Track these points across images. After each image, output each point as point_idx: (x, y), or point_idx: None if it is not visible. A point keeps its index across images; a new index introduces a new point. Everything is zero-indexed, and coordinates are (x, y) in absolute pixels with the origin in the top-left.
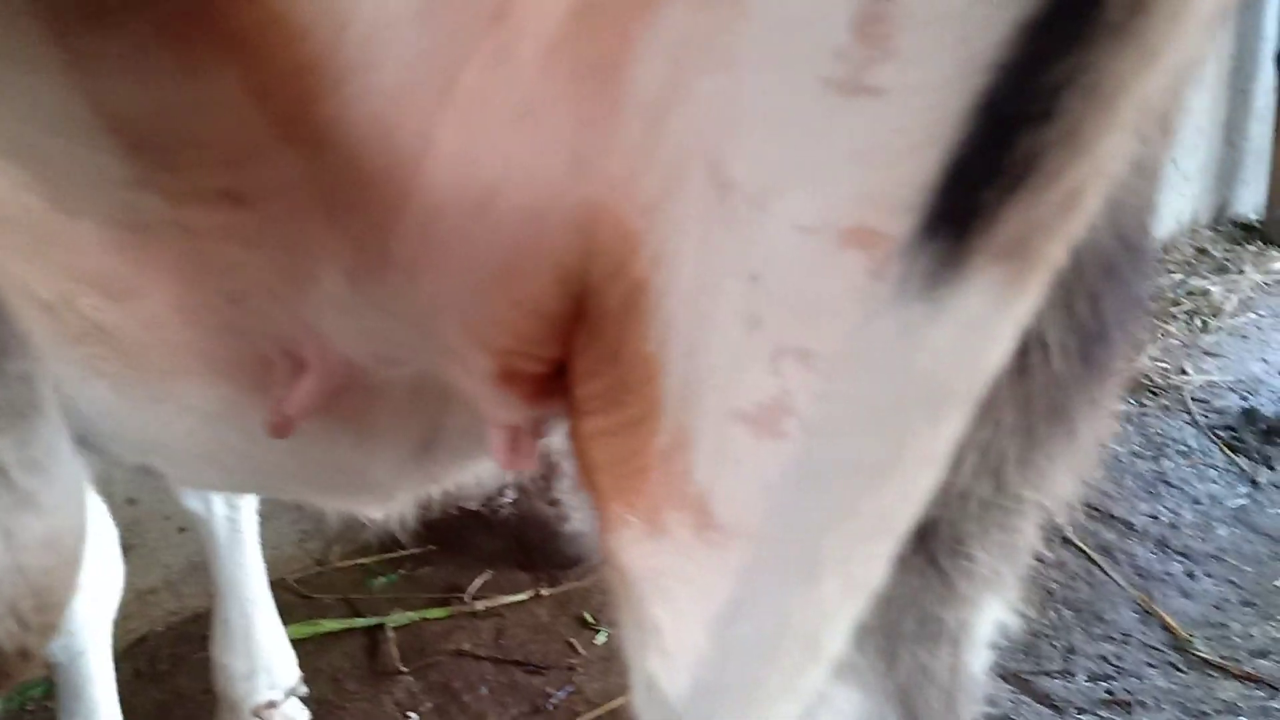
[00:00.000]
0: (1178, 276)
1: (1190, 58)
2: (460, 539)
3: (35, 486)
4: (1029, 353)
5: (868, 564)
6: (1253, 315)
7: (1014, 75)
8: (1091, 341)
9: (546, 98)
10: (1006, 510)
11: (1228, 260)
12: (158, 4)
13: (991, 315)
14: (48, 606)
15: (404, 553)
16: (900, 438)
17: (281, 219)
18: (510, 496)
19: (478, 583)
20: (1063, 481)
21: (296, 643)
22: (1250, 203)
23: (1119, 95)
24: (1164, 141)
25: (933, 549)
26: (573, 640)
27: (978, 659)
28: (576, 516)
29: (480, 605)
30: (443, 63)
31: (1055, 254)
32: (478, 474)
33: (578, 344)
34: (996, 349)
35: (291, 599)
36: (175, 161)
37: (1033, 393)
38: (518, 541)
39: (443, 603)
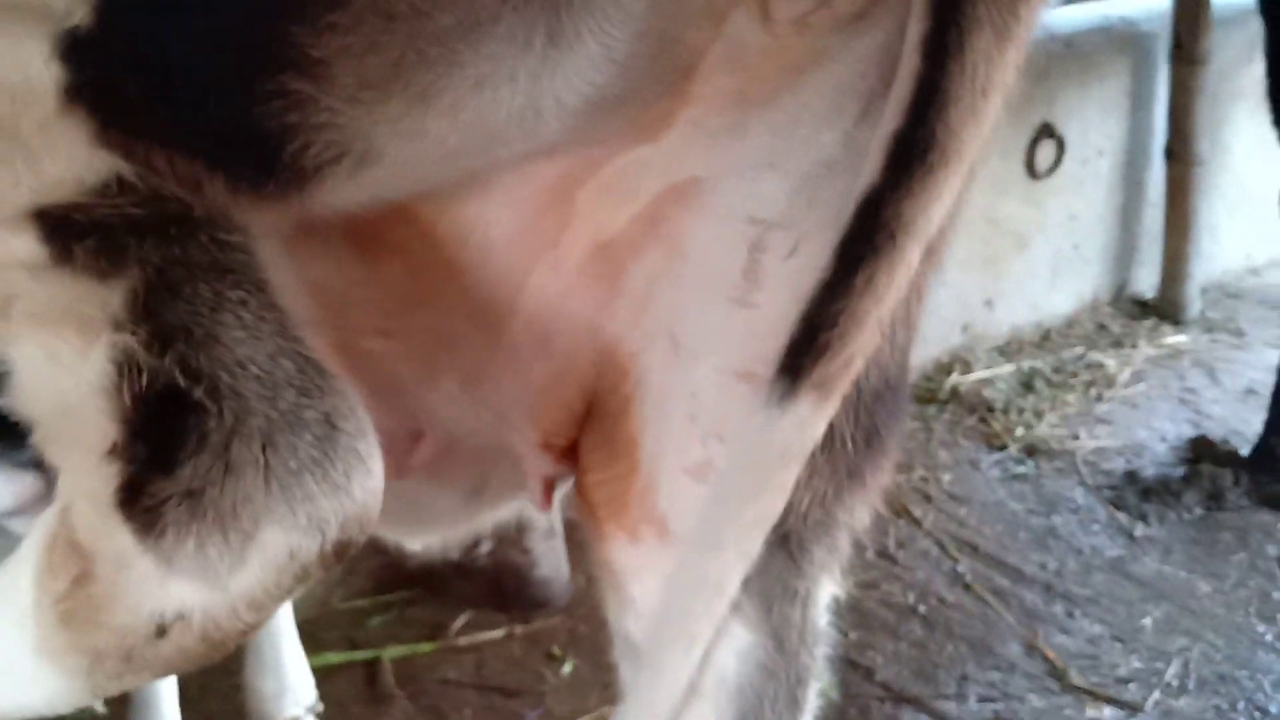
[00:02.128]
0: (1079, 350)
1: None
2: (445, 584)
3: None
4: (835, 439)
5: (750, 544)
6: (1143, 385)
7: (814, 308)
8: (870, 434)
9: (578, 290)
10: (830, 527)
11: (1124, 335)
12: (353, 230)
13: (810, 418)
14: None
15: (396, 595)
16: (766, 476)
17: (419, 348)
18: (487, 547)
19: (460, 621)
20: (861, 513)
21: None
22: (1146, 282)
23: (873, 318)
24: (916, 323)
25: (790, 547)
26: (543, 670)
27: (821, 617)
28: (544, 564)
29: (463, 641)
30: (523, 266)
31: (843, 387)
32: (495, 519)
33: (588, 428)
34: (812, 435)
35: (300, 635)
36: (350, 310)
37: (838, 461)
38: (494, 586)
39: (431, 638)
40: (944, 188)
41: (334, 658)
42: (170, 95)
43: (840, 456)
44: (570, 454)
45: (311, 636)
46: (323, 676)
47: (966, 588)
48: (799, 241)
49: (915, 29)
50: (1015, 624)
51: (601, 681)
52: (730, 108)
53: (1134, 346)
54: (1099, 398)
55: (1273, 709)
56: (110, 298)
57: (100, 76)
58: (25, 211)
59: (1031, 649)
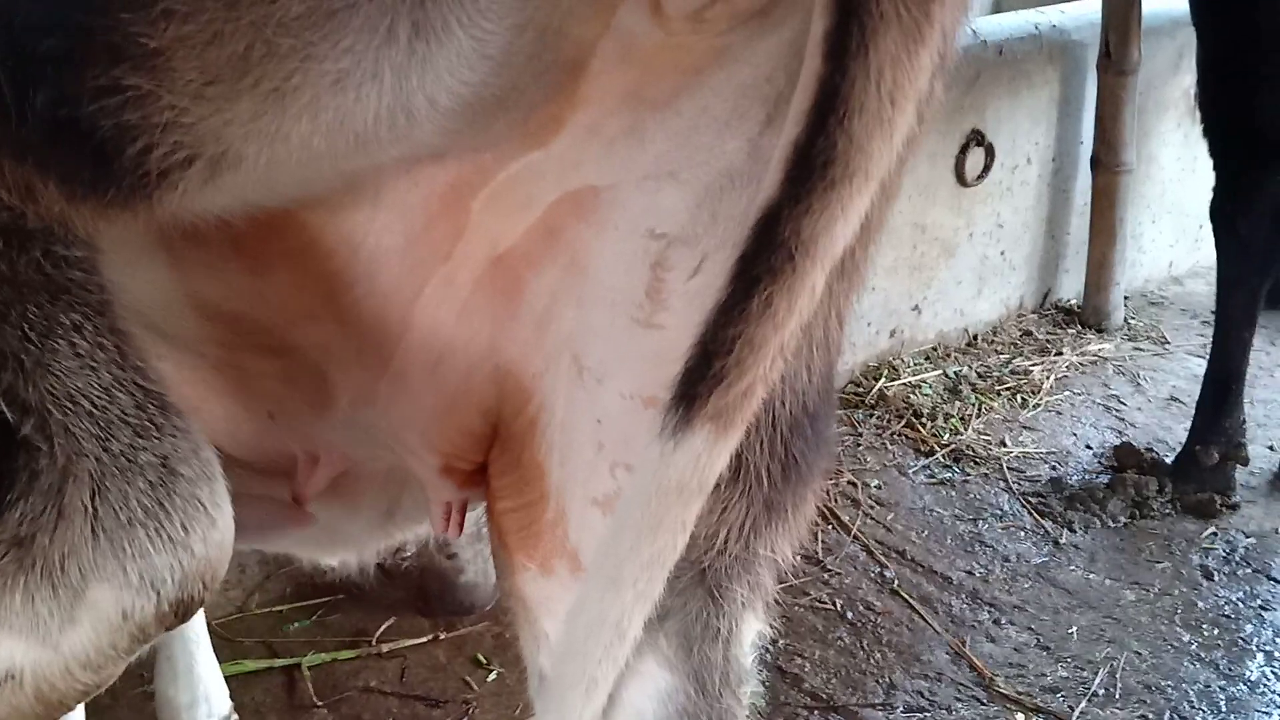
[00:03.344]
0: (1005, 357)
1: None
2: (367, 588)
3: None
4: (749, 472)
5: (650, 584)
6: (1068, 392)
7: (710, 333)
8: (788, 468)
9: (475, 306)
10: (751, 562)
11: (1049, 342)
12: (231, 227)
13: (707, 451)
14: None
15: (317, 600)
16: (663, 512)
17: (309, 367)
18: (411, 550)
19: (383, 627)
20: (784, 546)
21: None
22: (1071, 289)
23: (772, 345)
24: (837, 346)
25: (709, 583)
26: (468, 678)
27: (745, 655)
28: (470, 569)
29: (386, 647)
30: (415, 279)
31: (744, 419)
32: (415, 536)
33: (494, 453)
34: (711, 470)
35: (216, 641)
36: (238, 327)
37: (754, 495)
38: (418, 590)
39: (352, 645)
40: (848, 205)
41: (250, 665)
42: None
43: (756, 490)
44: (478, 478)
45: (227, 643)
46: (238, 685)
47: (894, 594)
48: (703, 259)
49: (816, 26)
50: (942, 631)
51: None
52: (624, 111)
53: (1059, 353)
54: (1024, 404)
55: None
56: None
57: None
58: None
59: (958, 657)
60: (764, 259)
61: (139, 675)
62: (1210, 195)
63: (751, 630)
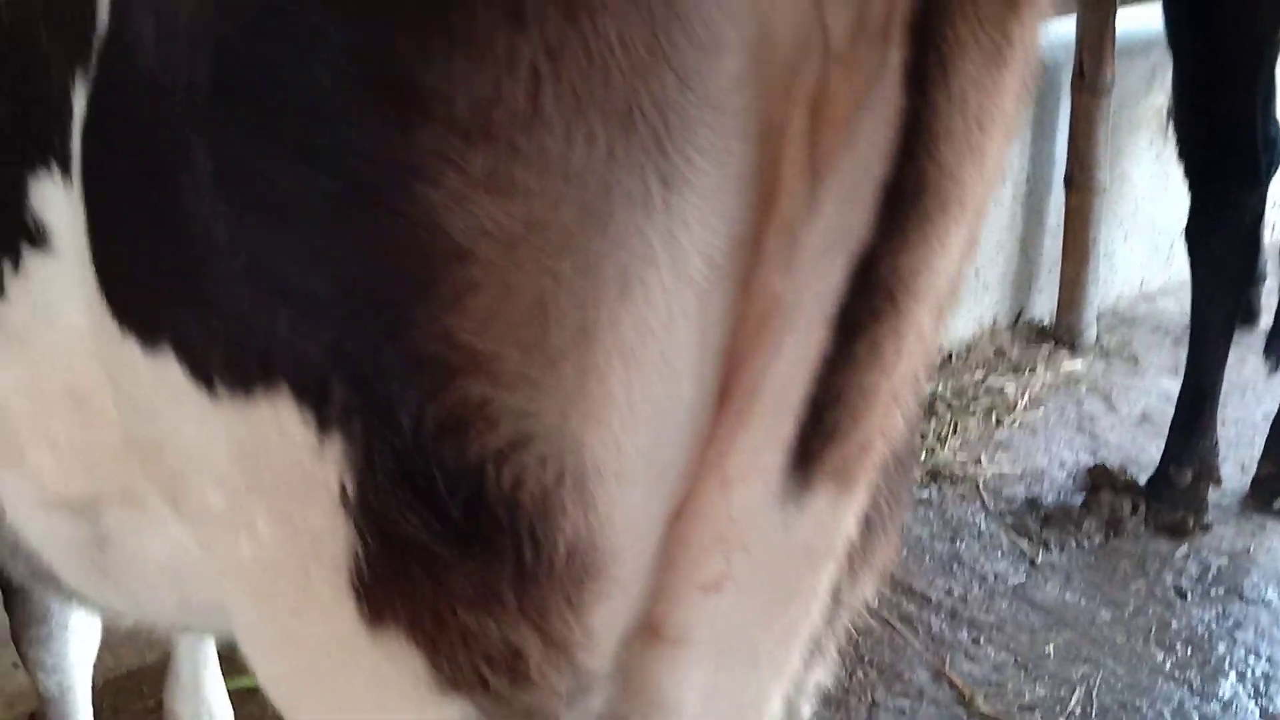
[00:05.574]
0: (979, 375)
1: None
2: None
3: None
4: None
5: (785, 658)
6: (1041, 411)
7: (816, 386)
8: (873, 523)
9: None
10: (834, 614)
11: (1022, 360)
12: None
13: (831, 512)
14: None
15: None
16: (793, 581)
17: None
18: None
19: None
20: (865, 592)
21: None
22: (1044, 308)
23: (883, 392)
24: (923, 387)
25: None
26: None
27: (806, 705)
28: None
29: None
30: None
31: (866, 474)
32: None
33: None
34: (839, 531)
35: (221, 658)
36: None
37: (852, 549)
38: None
39: None
40: (945, 236)
41: (249, 681)
42: None
43: (871, 545)
44: None
45: (228, 659)
46: (239, 700)
47: (873, 613)
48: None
49: (894, 57)
50: (923, 650)
51: None
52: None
53: (1032, 372)
54: (999, 423)
55: None
56: None
57: None
58: None
59: (939, 675)
60: (864, 302)
61: (139, 691)
62: (1185, 216)
63: (814, 678)
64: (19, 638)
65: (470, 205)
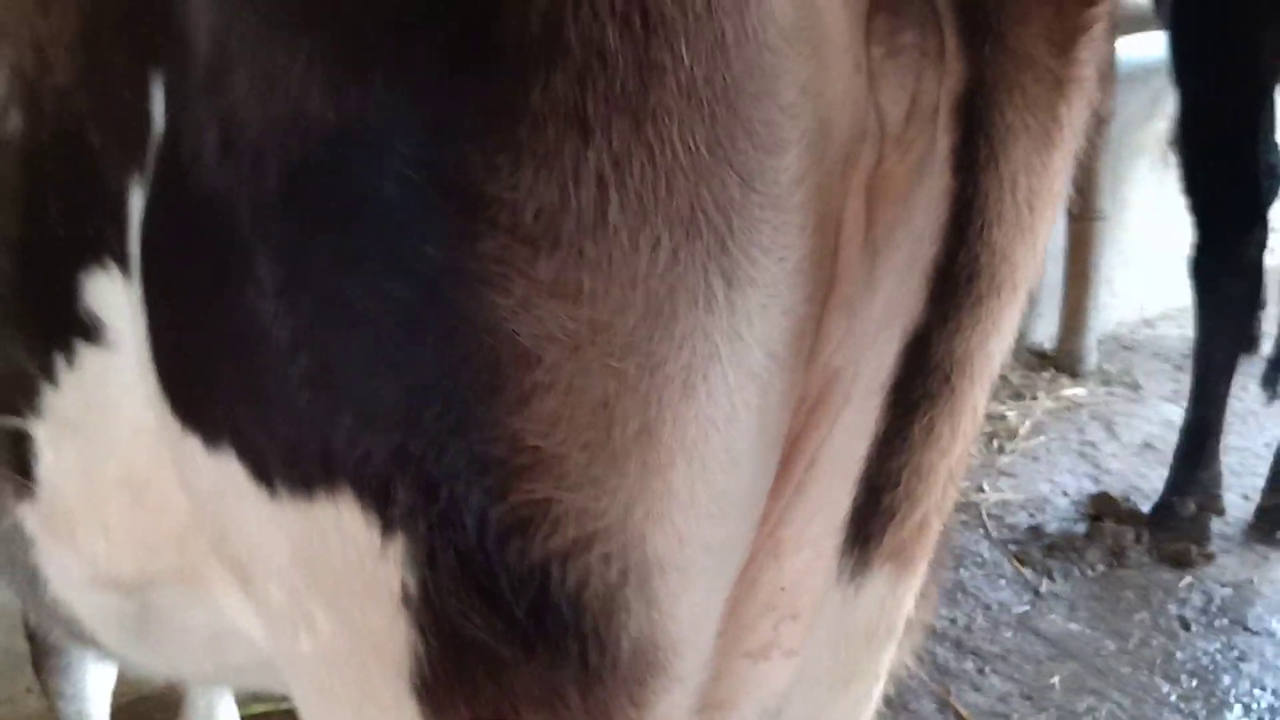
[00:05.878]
0: None
1: None
2: None
3: None
4: None
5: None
6: (1043, 438)
7: (872, 466)
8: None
9: None
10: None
11: (1024, 387)
12: None
13: (890, 593)
14: None
15: None
16: (854, 663)
17: None
18: None
19: None
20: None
21: None
22: (1045, 333)
23: (940, 472)
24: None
25: None
26: None
27: None
28: None
29: None
30: None
31: (925, 554)
32: None
33: None
34: (898, 611)
35: None
36: None
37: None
38: None
39: None
40: (999, 318)
41: (259, 708)
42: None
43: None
44: None
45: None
46: None
47: None
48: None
49: (942, 142)
50: (929, 680)
51: None
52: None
53: (1034, 398)
54: (1001, 449)
55: None
56: None
57: None
58: None
59: (945, 706)
60: (918, 384)
61: (149, 716)
62: (1186, 242)
63: None
64: (39, 666)
65: (537, 311)
